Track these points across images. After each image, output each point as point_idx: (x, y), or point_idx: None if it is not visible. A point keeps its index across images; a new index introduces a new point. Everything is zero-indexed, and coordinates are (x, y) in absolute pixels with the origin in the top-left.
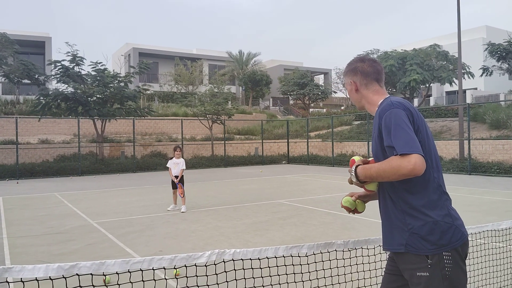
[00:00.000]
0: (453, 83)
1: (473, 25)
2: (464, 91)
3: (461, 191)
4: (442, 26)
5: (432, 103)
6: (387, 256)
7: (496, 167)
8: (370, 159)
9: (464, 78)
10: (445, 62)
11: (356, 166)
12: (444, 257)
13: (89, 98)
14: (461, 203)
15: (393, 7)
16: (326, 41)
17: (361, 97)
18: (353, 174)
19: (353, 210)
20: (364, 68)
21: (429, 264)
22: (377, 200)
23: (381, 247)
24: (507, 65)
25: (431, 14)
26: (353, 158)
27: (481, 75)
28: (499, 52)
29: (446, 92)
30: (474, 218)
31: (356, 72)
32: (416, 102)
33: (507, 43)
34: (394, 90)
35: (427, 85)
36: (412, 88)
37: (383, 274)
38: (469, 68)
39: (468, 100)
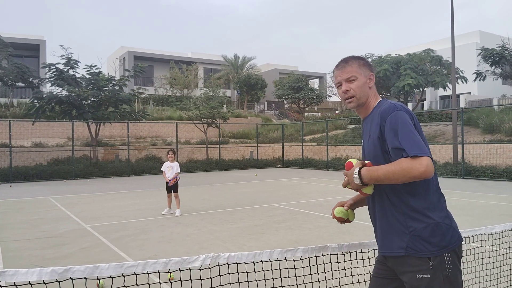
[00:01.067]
0: (447, 88)
1: (467, 30)
2: (458, 96)
3: (455, 195)
4: (436, 31)
5: (426, 107)
6: (375, 260)
7: (490, 171)
8: (366, 161)
9: (457, 82)
10: (439, 67)
11: (360, 168)
12: (445, 258)
13: (84, 101)
14: (455, 206)
15: (388, 12)
16: (321, 45)
17: (371, 94)
18: (357, 176)
19: (345, 219)
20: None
21: (431, 266)
22: (366, 206)
23: (376, 250)
24: (500, 70)
25: (425, 19)
26: (349, 160)
27: (475, 80)
28: (492, 57)
29: (440, 96)
30: (467, 222)
31: (372, 69)
32: (410, 106)
33: (500, 48)
34: (389, 94)
35: (421, 90)
36: (406, 92)
37: None
38: (462, 73)
39: (462, 104)
